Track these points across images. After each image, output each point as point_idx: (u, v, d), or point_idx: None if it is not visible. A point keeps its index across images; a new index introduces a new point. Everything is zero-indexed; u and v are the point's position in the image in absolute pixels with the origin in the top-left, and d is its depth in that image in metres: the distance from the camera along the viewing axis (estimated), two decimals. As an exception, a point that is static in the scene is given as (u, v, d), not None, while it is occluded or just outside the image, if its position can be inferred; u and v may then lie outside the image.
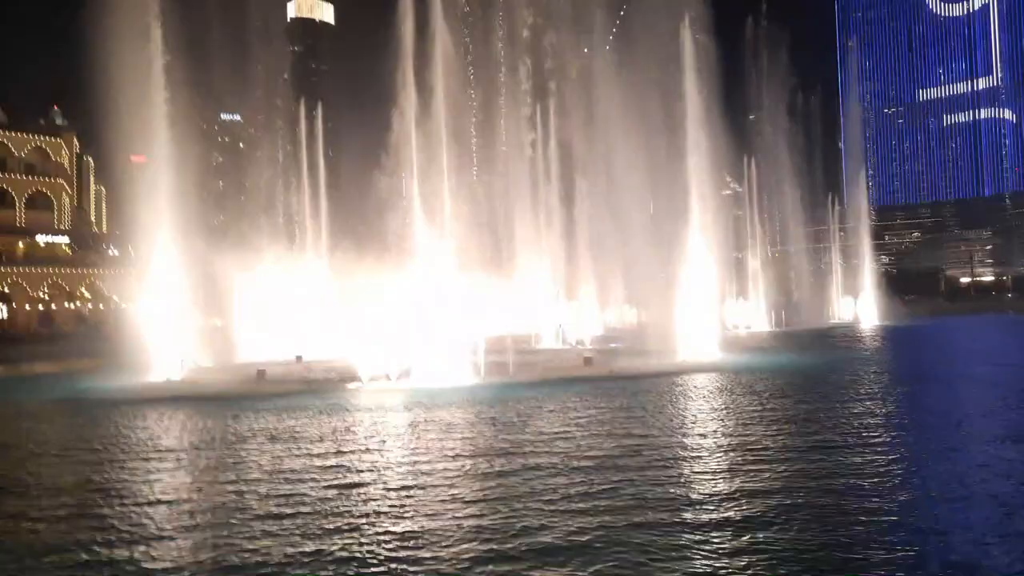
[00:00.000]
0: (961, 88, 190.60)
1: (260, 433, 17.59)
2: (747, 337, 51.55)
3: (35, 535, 9.89)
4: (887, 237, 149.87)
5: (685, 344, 33.46)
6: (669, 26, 42.17)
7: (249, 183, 63.55)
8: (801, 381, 25.71)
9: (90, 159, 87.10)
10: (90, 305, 76.19)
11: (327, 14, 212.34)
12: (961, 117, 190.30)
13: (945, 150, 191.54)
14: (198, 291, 39.82)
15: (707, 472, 12.32)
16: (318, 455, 14.74)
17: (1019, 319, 69.35)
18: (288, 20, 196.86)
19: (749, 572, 7.85)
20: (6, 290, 73.14)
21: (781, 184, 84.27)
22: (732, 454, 13.66)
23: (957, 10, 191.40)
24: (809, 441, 14.64)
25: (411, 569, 8.18)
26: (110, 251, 78.18)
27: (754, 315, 70.41)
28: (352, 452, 14.99)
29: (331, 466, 13.65)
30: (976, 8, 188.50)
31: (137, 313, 40.42)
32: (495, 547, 8.74)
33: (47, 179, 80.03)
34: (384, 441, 16.15)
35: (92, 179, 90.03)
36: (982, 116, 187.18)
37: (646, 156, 55.30)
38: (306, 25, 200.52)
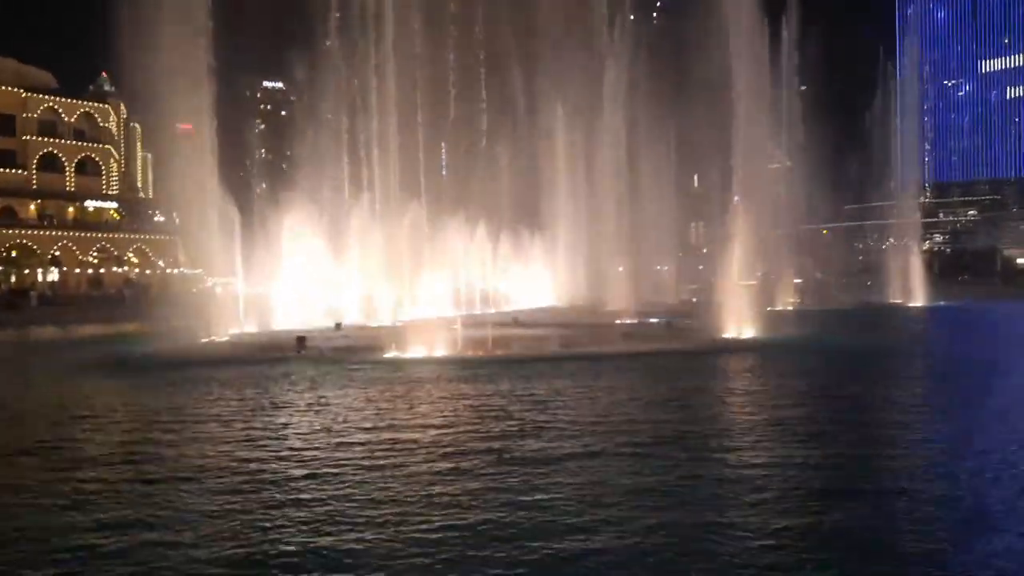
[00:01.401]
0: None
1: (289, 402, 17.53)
2: (794, 315, 50.12)
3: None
4: (942, 215, 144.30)
5: (726, 321, 32.42)
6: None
7: (292, 151, 63.71)
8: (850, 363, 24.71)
9: (137, 126, 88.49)
10: (137, 270, 77.94)
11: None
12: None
13: (1008, 124, 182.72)
14: (241, 257, 40.29)
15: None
16: (362, 428, 14.52)
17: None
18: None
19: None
20: (57, 254, 75.23)
21: (832, 159, 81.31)
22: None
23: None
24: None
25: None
26: (156, 217, 79.66)
27: (802, 292, 68.37)
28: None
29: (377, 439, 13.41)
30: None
31: (182, 278, 41.21)
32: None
33: (96, 145, 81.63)
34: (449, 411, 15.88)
35: (139, 146, 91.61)
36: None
37: (691, 126, 53.65)
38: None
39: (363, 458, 11.91)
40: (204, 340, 32.88)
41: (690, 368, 23.14)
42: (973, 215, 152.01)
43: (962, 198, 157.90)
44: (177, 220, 53.04)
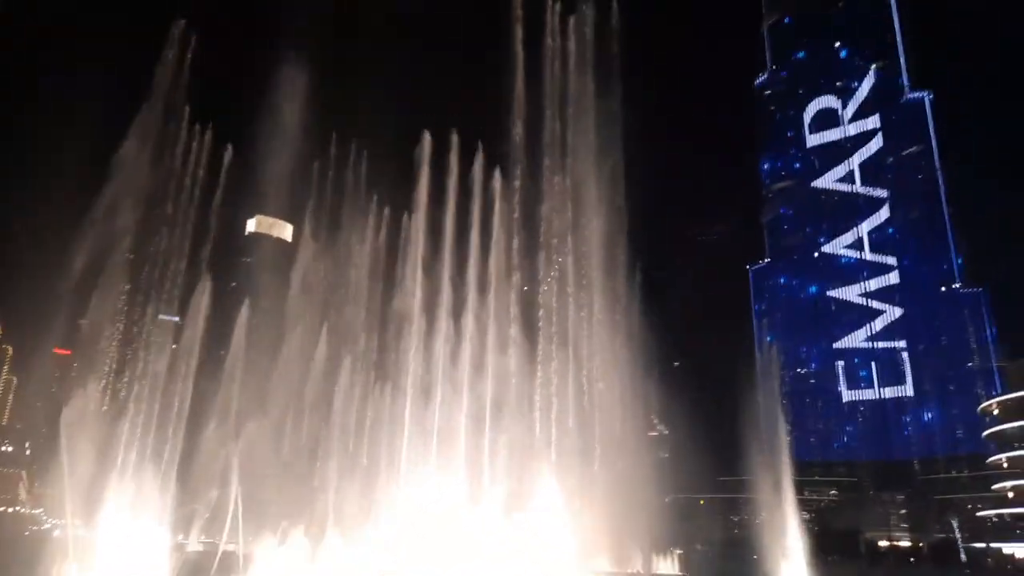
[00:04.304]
0: (864, 359, 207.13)
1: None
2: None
3: None
4: (807, 492, 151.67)
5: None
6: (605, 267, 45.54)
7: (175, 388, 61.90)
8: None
9: (9, 347, 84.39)
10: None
11: (286, 232, 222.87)
12: (868, 394, 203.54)
13: (855, 412, 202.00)
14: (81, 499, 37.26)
15: None
16: None
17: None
18: (246, 234, 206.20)
19: None
20: None
21: (703, 433, 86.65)
22: None
23: (854, 295, 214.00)
24: None
25: None
26: (3, 446, 72.72)
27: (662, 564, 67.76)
28: None
29: None
30: (871, 289, 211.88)
31: (15, 517, 37.42)
32: None
33: (-44, 363, 76.38)
34: None
35: (6, 367, 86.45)
36: (886, 393, 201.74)
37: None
38: (263, 240, 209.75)
39: None
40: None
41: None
42: (835, 495, 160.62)
43: (824, 477, 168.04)
44: (28, 451, 49.31)
